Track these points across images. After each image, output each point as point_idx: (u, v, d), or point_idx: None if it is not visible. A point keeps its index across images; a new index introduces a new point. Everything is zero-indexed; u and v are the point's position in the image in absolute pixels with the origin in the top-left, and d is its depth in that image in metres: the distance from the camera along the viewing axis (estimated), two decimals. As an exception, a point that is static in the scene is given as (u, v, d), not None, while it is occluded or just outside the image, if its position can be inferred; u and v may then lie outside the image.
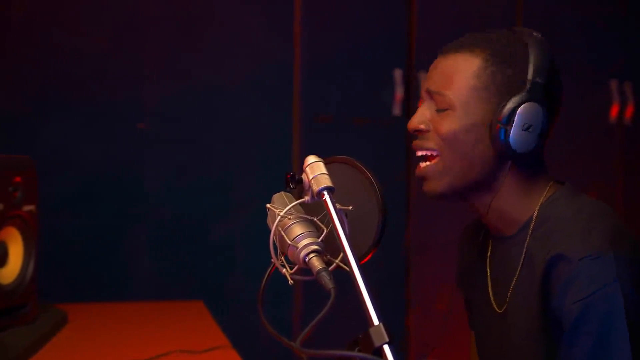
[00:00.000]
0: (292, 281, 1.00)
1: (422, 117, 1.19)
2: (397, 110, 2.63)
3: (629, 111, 2.91)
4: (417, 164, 1.21)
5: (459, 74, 1.16)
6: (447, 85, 1.16)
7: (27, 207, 1.70)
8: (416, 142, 1.20)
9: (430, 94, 1.19)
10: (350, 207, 0.99)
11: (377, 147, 2.63)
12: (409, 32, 2.76)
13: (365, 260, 1.04)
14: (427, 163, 1.19)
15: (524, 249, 1.17)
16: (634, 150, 2.96)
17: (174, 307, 2.16)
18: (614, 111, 2.90)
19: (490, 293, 1.24)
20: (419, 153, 1.20)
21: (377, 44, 2.73)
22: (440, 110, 1.17)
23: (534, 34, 1.18)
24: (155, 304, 2.24)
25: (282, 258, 1.00)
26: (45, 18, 2.46)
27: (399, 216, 2.72)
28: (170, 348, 1.65)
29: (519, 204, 1.18)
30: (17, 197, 1.66)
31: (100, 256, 2.49)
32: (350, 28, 2.72)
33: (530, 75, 1.14)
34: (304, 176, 0.99)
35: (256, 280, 1.03)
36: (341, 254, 0.96)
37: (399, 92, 2.67)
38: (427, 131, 1.18)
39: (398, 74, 2.69)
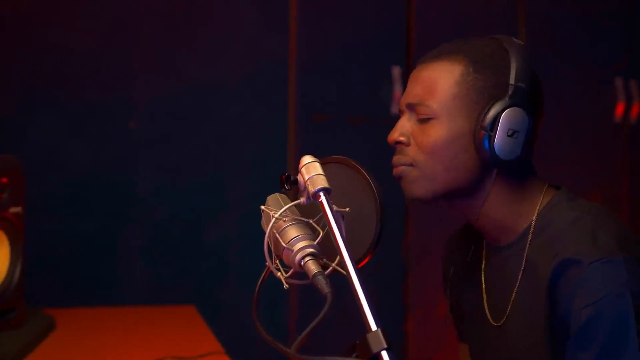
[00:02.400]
0: (287, 285, 0.98)
1: (402, 129, 1.16)
2: (395, 109, 2.61)
3: (635, 110, 2.89)
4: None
5: (441, 83, 1.14)
6: (429, 95, 1.14)
7: (14, 209, 1.68)
8: (395, 157, 1.17)
9: (411, 106, 1.16)
10: (348, 209, 0.98)
11: (375, 146, 2.60)
12: (407, 29, 2.74)
13: (363, 263, 1.03)
14: (404, 166, 1.16)
15: (524, 259, 1.14)
16: (638, 150, 2.94)
17: (165, 312, 2.15)
18: (619, 110, 2.88)
19: (486, 305, 1.22)
20: (399, 168, 1.17)
21: (376, 41, 2.72)
22: (422, 121, 1.14)
23: (515, 40, 1.16)
24: (145, 308, 2.22)
25: (277, 261, 0.99)
26: (35, 15, 2.44)
27: (397, 219, 2.70)
28: (161, 354, 1.64)
29: (512, 212, 1.16)
30: (4, 198, 1.65)
31: (90, 259, 2.47)
32: (348, 25, 2.71)
33: (512, 80, 1.11)
34: (299, 177, 0.97)
35: (250, 284, 1.01)
36: (338, 257, 0.94)
37: (398, 90, 2.65)
38: (407, 144, 1.16)
39: (396, 71, 2.67)
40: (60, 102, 2.43)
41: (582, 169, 2.85)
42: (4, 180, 1.63)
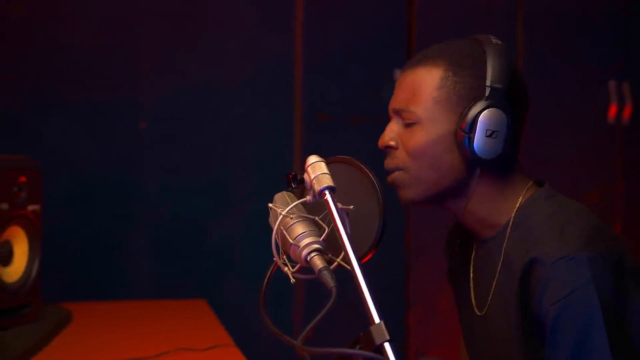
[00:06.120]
0: (293, 280, 1.01)
1: (391, 133, 1.20)
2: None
3: (627, 112, 2.92)
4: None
5: (422, 88, 1.17)
6: (411, 101, 1.18)
7: (32, 207, 1.71)
8: (386, 161, 1.21)
9: (397, 112, 1.20)
10: (352, 207, 1.00)
11: (376, 146, 2.63)
12: (408, 30, 2.77)
13: (366, 259, 1.05)
14: (397, 172, 1.20)
15: (502, 252, 1.18)
16: (633, 151, 2.97)
17: (178, 306, 2.17)
18: (612, 112, 2.91)
19: (472, 295, 1.26)
20: (392, 172, 1.21)
21: (377, 41, 2.73)
22: (407, 125, 1.18)
23: (493, 40, 1.18)
24: (158, 302, 2.24)
25: (284, 257, 1.01)
26: (44, 18, 2.46)
27: (399, 217, 2.73)
28: (172, 346, 1.66)
29: (495, 208, 1.19)
30: (22, 196, 1.68)
31: (102, 256, 2.49)
32: (350, 25, 2.73)
33: (488, 82, 1.14)
34: (305, 176, 1.00)
35: (255, 282, 1.05)
36: (342, 253, 0.97)
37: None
38: (396, 148, 1.19)
39: (398, 74, 2.70)
40: (68, 103, 2.45)
41: (578, 169, 2.87)
42: (22, 179, 1.67)
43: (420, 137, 1.17)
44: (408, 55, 2.75)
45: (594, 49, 2.94)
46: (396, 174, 1.20)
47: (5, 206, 1.62)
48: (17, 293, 1.69)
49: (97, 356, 1.65)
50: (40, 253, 1.75)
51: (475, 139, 1.13)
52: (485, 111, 1.14)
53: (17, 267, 1.72)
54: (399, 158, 1.19)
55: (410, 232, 2.77)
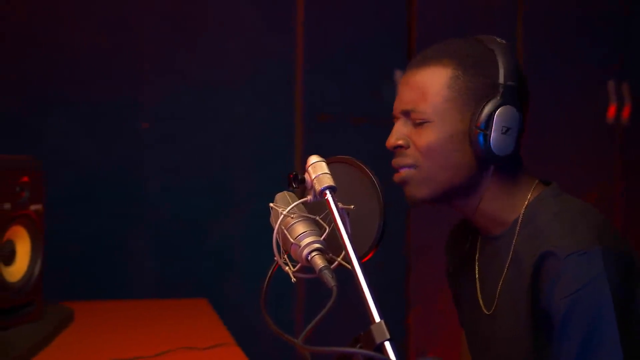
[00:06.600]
0: (294, 279, 1.01)
1: (399, 133, 1.20)
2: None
3: (626, 112, 2.93)
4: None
5: (431, 87, 1.18)
6: (420, 101, 1.18)
7: (34, 207, 1.72)
8: (395, 160, 1.21)
9: (405, 112, 1.20)
10: (352, 207, 1.01)
11: (376, 146, 2.64)
12: (408, 30, 2.78)
13: (367, 258, 1.06)
14: (407, 169, 1.20)
15: (512, 249, 1.19)
16: (632, 151, 2.98)
17: (179, 305, 2.18)
18: (611, 112, 2.92)
19: (479, 294, 1.26)
20: (401, 171, 1.21)
21: (377, 41, 2.75)
22: (417, 125, 1.19)
23: (498, 40, 1.20)
24: (160, 301, 2.25)
25: (285, 256, 1.02)
26: (45, 19, 2.47)
27: (399, 217, 2.74)
28: (174, 345, 1.67)
29: (505, 205, 1.20)
30: (24, 196, 1.69)
31: (104, 255, 2.50)
32: (350, 26, 2.74)
33: (502, 79, 1.16)
34: (306, 176, 1.01)
35: (258, 279, 1.05)
36: (343, 253, 0.97)
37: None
38: (407, 147, 1.20)
39: (399, 75, 2.71)
40: (69, 104, 2.46)
41: (578, 169, 2.89)
42: (25, 179, 1.68)
43: (431, 135, 1.17)
44: (408, 55, 2.76)
45: (594, 49, 2.95)
46: (406, 172, 1.20)
47: (7, 206, 1.63)
48: (20, 292, 1.70)
49: (99, 355, 1.65)
50: (42, 252, 1.76)
51: (492, 136, 1.15)
52: (501, 108, 1.15)
53: (20, 266, 1.72)
54: (410, 156, 1.19)
55: (411, 232, 2.77)
